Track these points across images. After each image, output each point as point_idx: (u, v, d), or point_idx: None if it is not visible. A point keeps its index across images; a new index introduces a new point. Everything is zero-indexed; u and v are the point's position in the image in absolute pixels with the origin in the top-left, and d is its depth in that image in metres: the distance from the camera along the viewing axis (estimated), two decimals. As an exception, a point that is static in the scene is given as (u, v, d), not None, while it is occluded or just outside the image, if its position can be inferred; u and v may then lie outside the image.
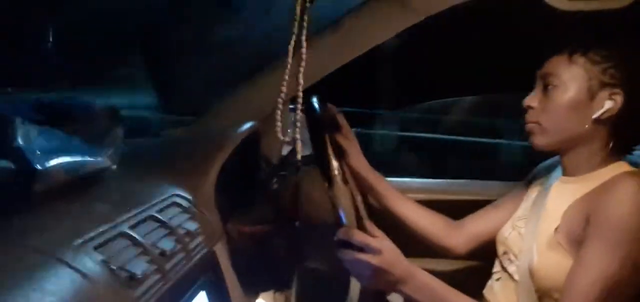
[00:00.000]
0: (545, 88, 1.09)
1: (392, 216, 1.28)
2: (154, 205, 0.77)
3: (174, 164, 0.97)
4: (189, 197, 0.87)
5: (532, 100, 1.11)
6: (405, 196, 1.34)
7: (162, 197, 0.81)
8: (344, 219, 0.91)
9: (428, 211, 1.32)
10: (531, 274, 1.04)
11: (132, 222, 0.69)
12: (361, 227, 0.93)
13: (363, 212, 1.09)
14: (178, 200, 0.84)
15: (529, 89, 1.14)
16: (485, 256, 1.27)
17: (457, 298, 0.99)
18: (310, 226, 0.98)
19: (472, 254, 1.31)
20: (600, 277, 0.93)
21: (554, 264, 1.01)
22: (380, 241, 0.93)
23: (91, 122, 0.83)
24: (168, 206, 0.80)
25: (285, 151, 1.76)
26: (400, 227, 1.27)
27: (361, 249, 0.91)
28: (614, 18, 1.10)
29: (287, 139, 0.94)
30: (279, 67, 1.10)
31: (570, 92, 1.06)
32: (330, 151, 0.98)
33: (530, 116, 1.11)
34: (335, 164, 0.97)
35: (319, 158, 0.98)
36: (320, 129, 1.02)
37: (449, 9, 1.15)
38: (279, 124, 0.91)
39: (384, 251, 0.92)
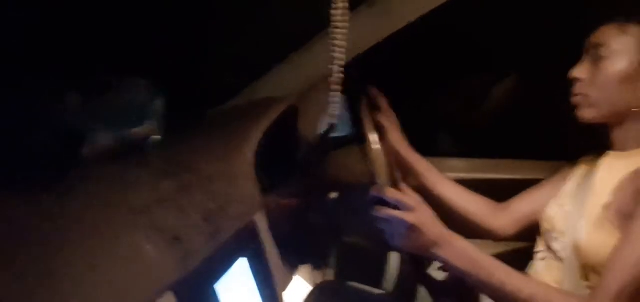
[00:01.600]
0: (594, 58, 1.05)
1: (433, 196, 1.26)
2: (197, 171, 0.78)
3: (214, 135, 0.98)
4: (230, 166, 0.88)
5: (580, 71, 1.06)
6: (446, 176, 1.32)
7: (205, 165, 0.82)
8: (379, 180, 0.91)
9: (471, 193, 1.29)
10: (577, 251, 1.00)
11: (176, 187, 0.70)
12: (396, 188, 0.93)
13: (398, 177, 1.08)
14: (220, 168, 0.85)
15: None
16: (527, 237, 1.24)
17: (497, 266, 0.96)
18: (348, 196, 0.98)
19: (517, 236, 1.28)
20: None
21: (602, 240, 0.97)
22: (414, 198, 0.92)
23: (134, 94, 0.85)
24: (210, 175, 0.81)
25: (323, 128, 1.77)
26: (441, 208, 1.25)
27: (395, 207, 0.90)
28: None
29: (334, 114, 0.93)
30: (312, 47, 1.10)
31: (621, 64, 1.01)
32: (368, 118, 0.98)
33: (577, 88, 1.07)
34: (372, 131, 0.97)
35: (357, 126, 0.98)
36: (359, 98, 1.02)
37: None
38: (335, 94, 0.88)
39: (418, 208, 0.91)
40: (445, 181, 1.30)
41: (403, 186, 0.95)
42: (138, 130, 0.79)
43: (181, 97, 0.93)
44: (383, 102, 1.23)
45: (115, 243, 0.56)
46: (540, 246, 1.16)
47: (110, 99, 0.77)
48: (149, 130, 0.83)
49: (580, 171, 1.16)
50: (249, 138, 0.94)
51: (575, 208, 1.06)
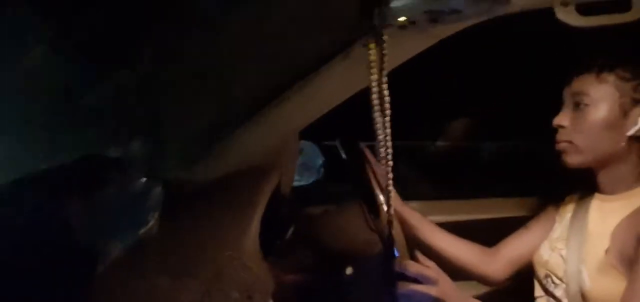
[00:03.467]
0: (576, 106, 1.09)
1: (427, 248, 1.27)
2: (206, 272, 0.75)
3: (214, 220, 0.94)
4: (236, 255, 0.85)
5: (562, 119, 1.11)
6: (436, 225, 1.33)
7: (213, 262, 0.79)
8: (397, 252, 0.90)
9: (462, 241, 1.31)
10: (584, 298, 1.03)
11: (193, 295, 0.67)
12: (413, 258, 0.92)
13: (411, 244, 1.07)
14: (227, 260, 0.82)
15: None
16: (522, 278, 1.26)
17: None
18: (363, 270, 0.96)
19: (510, 279, 1.30)
20: None
21: (608, 286, 1.00)
22: (436, 270, 0.92)
23: (135, 190, 0.82)
24: (219, 271, 0.78)
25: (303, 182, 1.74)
26: (435, 258, 1.26)
27: (416, 280, 0.90)
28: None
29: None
30: (286, 98, 1.09)
31: (602, 111, 1.05)
32: (376, 185, 0.96)
33: (561, 135, 1.11)
34: (381, 197, 0.96)
35: (364, 193, 0.97)
36: (363, 163, 1.01)
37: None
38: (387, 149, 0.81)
39: (440, 280, 0.90)
40: (437, 231, 1.31)
41: (419, 255, 0.94)
42: (144, 231, 0.75)
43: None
44: (371, 157, 1.22)
45: None
46: (539, 291, 1.18)
47: (113, 202, 0.73)
48: (152, 225, 0.80)
49: (567, 213, 1.19)
50: (249, 222, 0.91)
51: (572, 253, 1.09)
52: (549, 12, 1.16)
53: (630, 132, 1.04)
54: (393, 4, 0.61)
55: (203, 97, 1.06)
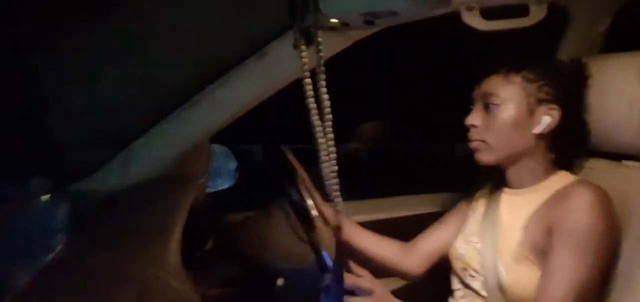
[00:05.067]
0: (486, 106, 1.14)
1: (350, 247, 1.27)
2: (126, 294, 0.69)
3: (132, 236, 0.87)
4: (159, 273, 0.79)
5: (474, 118, 1.16)
6: (357, 223, 1.34)
7: (133, 282, 0.72)
8: (329, 261, 0.88)
9: (383, 238, 1.34)
10: (502, 289, 1.08)
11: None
12: (347, 268, 0.91)
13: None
14: (150, 279, 0.75)
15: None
16: (441, 272, 1.31)
17: None
18: (295, 282, 0.93)
19: (428, 272, 1.34)
20: (572, 285, 0.98)
21: (524, 277, 1.06)
22: (369, 280, 0.91)
23: (38, 214, 0.73)
24: (141, 292, 0.72)
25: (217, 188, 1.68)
26: (358, 257, 1.27)
27: (351, 291, 0.89)
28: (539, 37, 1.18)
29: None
30: (196, 103, 1.04)
31: (511, 111, 1.12)
32: (304, 190, 0.94)
33: (474, 134, 1.16)
34: (312, 204, 0.93)
35: (289, 199, 0.94)
36: (286, 167, 0.98)
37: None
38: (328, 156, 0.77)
39: (375, 290, 0.90)
40: (358, 230, 1.33)
41: (353, 265, 0.94)
42: (51, 255, 0.67)
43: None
44: (295, 162, 1.20)
45: None
46: (456, 284, 1.23)
47: (16, 227, 0.65)
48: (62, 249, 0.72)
49: (479, 207, 1.25)
50: (169, 237, 0.85)
51: (487, 246, 1.14)
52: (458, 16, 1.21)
53: (537, 130, 1.11)
54: (325, 4, 0.59)
55: (100, 101, 0.98)
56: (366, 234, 1.33)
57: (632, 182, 1.08)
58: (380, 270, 1.30)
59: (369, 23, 0.66)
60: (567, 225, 1.01)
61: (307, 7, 0.57)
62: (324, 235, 0.91)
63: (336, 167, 0.67)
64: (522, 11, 1.25)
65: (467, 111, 1.19)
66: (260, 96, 1.10)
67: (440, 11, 0.73)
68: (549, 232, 1.03)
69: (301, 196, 0.94)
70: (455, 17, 1.20)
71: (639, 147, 1.10)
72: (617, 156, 1.16)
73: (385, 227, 1.39)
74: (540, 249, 1.04)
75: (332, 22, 0.64)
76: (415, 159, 1.88)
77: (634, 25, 1.36)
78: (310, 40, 0.60)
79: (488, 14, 1.21)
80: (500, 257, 1.09)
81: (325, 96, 0.62)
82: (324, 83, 0.62)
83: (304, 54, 0.61)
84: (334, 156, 0.66)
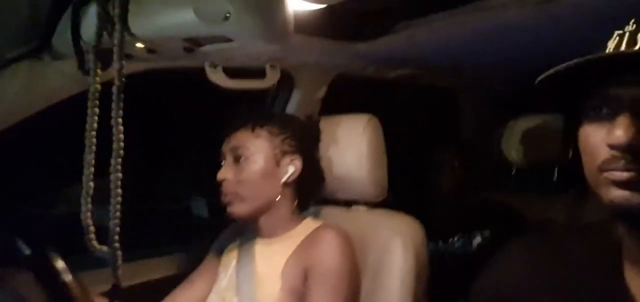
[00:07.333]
0: (236, 160, 1.16)
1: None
2: None
3: None
4: None
5: (226, 173, 1.16)
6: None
7: None
8: None
9: None
10: None
11: None
12: None
13: None
14: None
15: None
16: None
17: None
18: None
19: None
20: None
21: None
22: None
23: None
24: None
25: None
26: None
27: None
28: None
29: None
30: None
31: (259, 163, 1.16)
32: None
33: (226, 188, 1.16)
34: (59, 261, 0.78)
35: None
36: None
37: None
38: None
39: None
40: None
41: None
42: None
43: None
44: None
45: None
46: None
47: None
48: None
49: (231, 261, 1.23)
50: None
51: (243, 299, 1.13)
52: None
53: (283, 179, 1.18)
54: (136, 23, 0.49)
55: None
56: None
57: (364, 225, 1.23)
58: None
59: (188, 51, 0.58)
60: (321, 267, 1.08)
61: (113, 25, 0.46)
62: None
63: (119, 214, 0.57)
64: (260, 74, 1.34)
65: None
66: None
67: (276, 44, 0.70)
68: (305, 276, 1.09)
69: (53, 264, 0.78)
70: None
71: (366, 194, 1.27)
72: (348, 202, 1.31)
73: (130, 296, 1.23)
74: (299, 293, 1.09)
75: (138, 47, 0.54)
76: (147, 220, 1.74)
77: (344, 93, 1.60)
78: (106, 63, 0.49)
79: (231, 73, 1.26)
80: (262, 308, 1.09)
81: (121, 129, 0.52)
82: (121, 113, 0.51)
83: (97, 79, 0.49)
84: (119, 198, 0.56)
